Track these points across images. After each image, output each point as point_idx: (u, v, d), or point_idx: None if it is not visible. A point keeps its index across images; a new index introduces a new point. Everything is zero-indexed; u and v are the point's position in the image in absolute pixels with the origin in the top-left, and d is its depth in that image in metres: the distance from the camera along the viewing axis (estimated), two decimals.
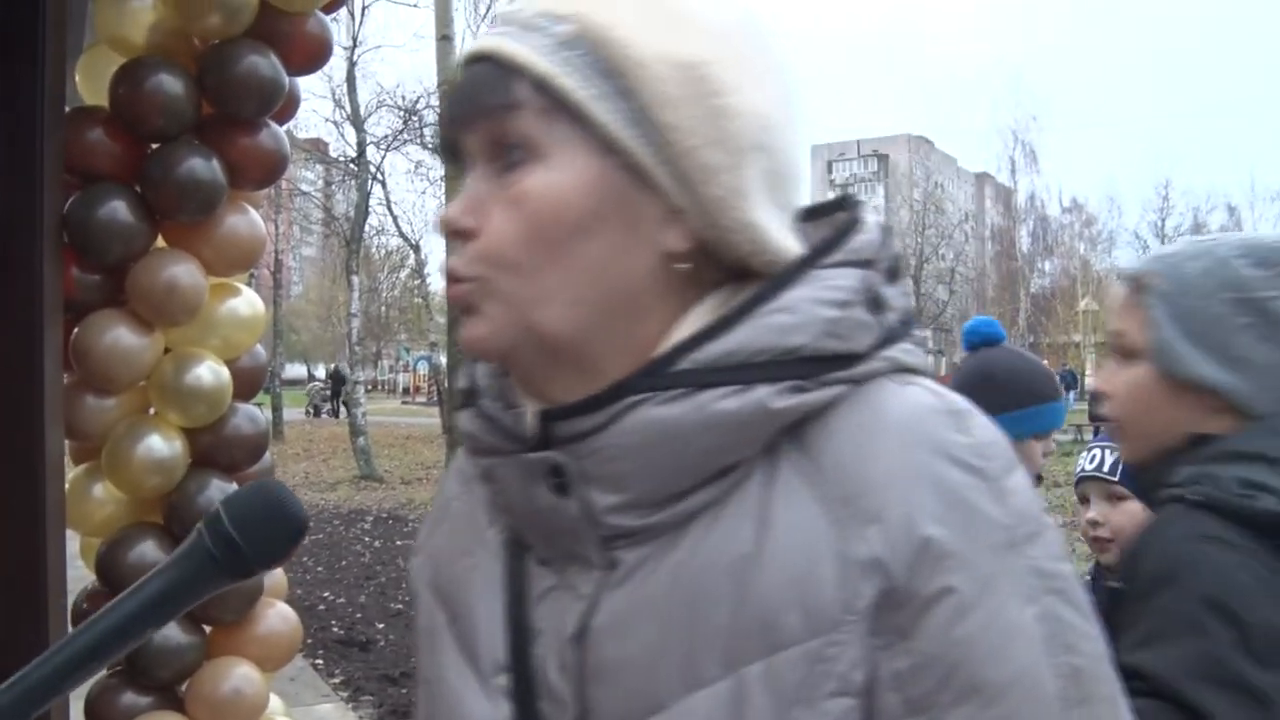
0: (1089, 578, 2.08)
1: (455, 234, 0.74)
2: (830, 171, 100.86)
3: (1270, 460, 1.22)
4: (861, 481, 0.68)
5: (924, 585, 0.66)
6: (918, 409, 0.71)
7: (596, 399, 0.71)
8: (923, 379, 0.75)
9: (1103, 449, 2.04)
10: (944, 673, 0.65)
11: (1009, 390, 2.35)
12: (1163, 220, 68.83)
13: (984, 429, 0.71)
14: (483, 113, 0.73)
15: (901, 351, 0.74)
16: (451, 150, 0.77)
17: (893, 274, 0.76)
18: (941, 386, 0.74)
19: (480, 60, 0.73)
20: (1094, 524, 2.01)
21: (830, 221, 0.79)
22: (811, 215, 0.82)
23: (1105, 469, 2.00)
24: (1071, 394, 29.38)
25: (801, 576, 0.67)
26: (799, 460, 0.71)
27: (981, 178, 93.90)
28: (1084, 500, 2.06)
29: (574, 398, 0.73)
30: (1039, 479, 2.47)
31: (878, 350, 0.73)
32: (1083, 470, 2.05)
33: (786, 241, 0.74)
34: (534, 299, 0.72)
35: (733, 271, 0.75)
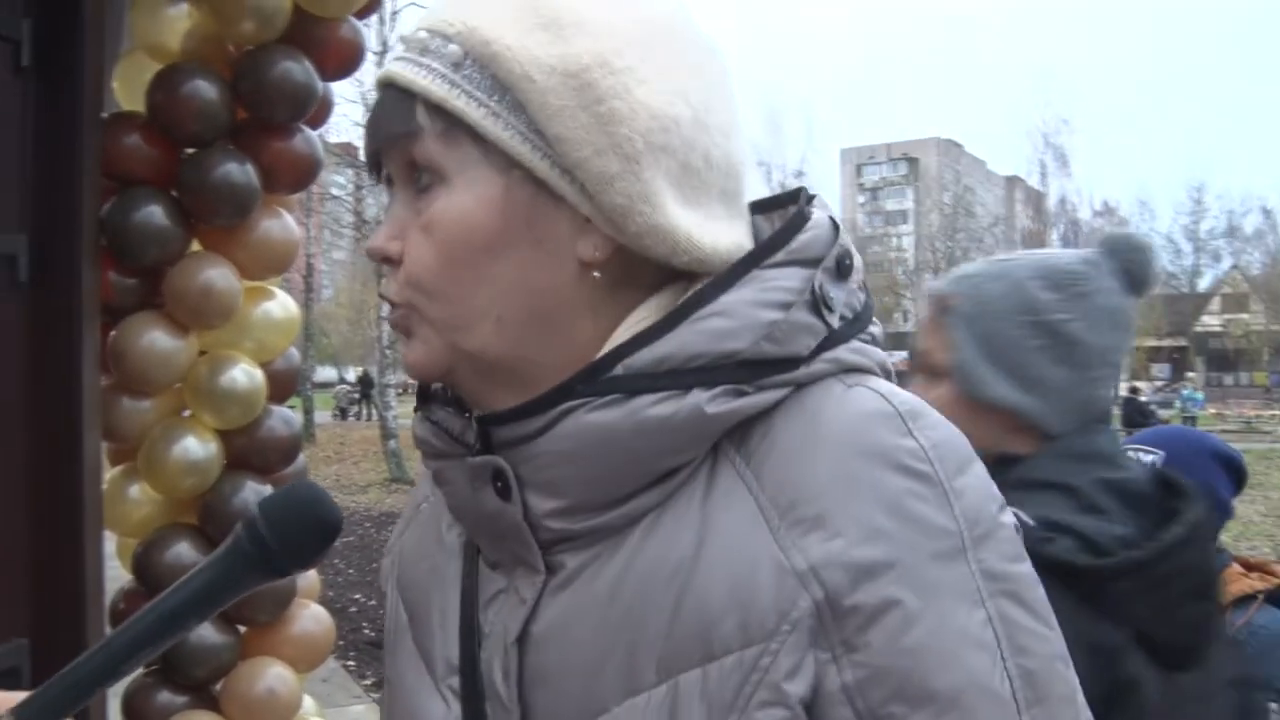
0: None
1: (383, 260, 0.74)
2: (859, 175, 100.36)
3: (1064, 489, 1.24)
4: (800, 490, 0.67)
5: (866, 597, 0.64)
6: (860, 413, 0.69)
7: (534, 404, 0.70)
8: (872, 379, 0.72)
9: (1136, 452, 2.02)
10: (895, 684, 0.64)
11: None
12: (1196, 223, 68.56)
13: (932, 430, 0.69)
14: (390, 140, 0.73)
15: (849, 351, 0.72)
16: (381, 176, 0.77)
17: (841, 271, 0.73)
18: (892, 386, 0.72)
19: (385, 87, 0.73)
20: None
21: (785, 215, 0.77)
22: (769, 206, 0.80)
23: None
24: None
25: (739, 584, 0.66)
26: (741, 465, 0.70)
27: (1012, 181, 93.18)
28: None
29: (512, 403, 0.72)
30: None
31: (822, 352, 0.71)
32: None
33: (714, 239, 0.73)
34: (460, 324, 0.72)
35: (678, 271, 0.73)
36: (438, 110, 0.70)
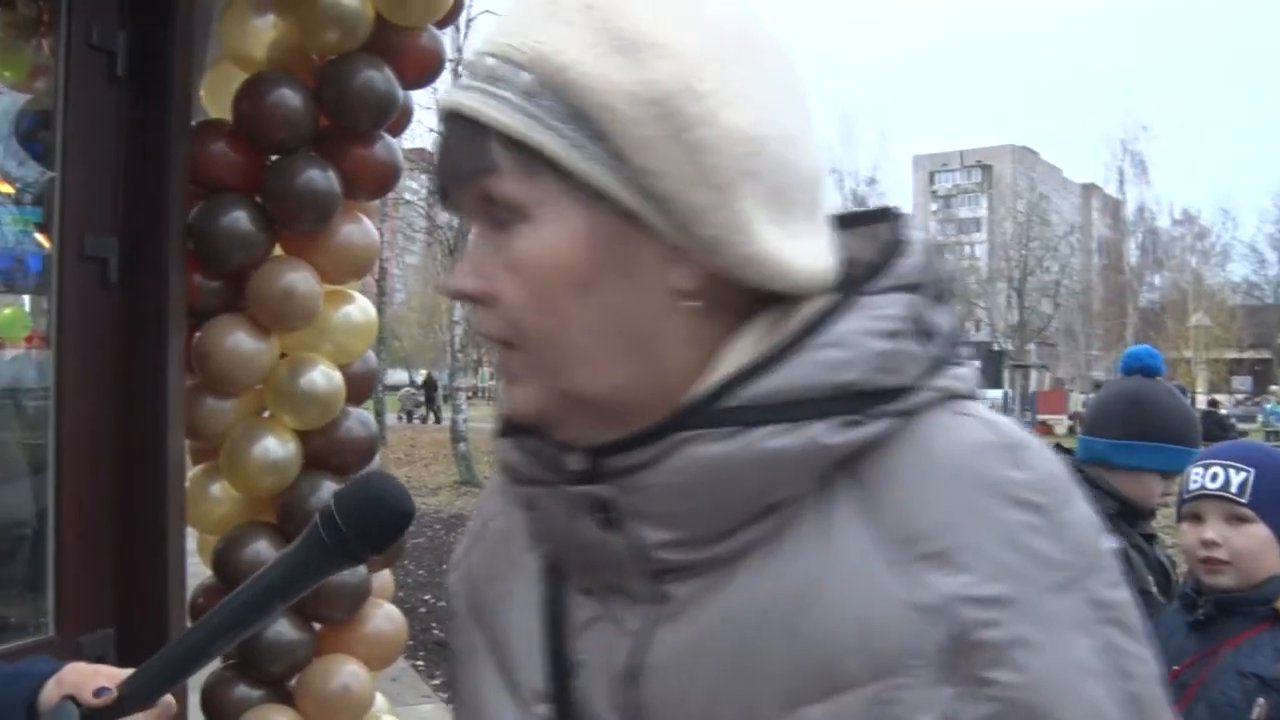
0: (1182, 593, 2.05)
1: (468, 300, 0.72)
2: (932, 183, 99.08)
3: None
4: (921, 525, 0.66)
5: (995, 633, 0.65)
6: (973, 446, 0.69)
7: (646, 434, 0.69)
8: (975, 406, 0.72)
9: (1224, 467, 1.97)
10: (1024, 717, 0.65)
11: (1152, 421, 2.37)
12: None
13: (1040, 461, 0.69)
14: (463, 176, 0.70)
15: (951, 379, 0.71)
16: (453, 205, 0.74)
17: (940, 297, 0.72)
18: (995, 414, 0.72)
19: (453, 118, 0.69)
20: (1209, 544, 1.94)
21: (872, 234, 0.76)
22: (854, 222, 0.78)
23: (1233, 489, 1.94)
24: None
25: (861, 620, 0.66)
26: (856, 498, 0.69)
27: (1088, 189, 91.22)
28: (1194, 518, 1.99)
29: (610, 436, 0.70)
30: (1152, 513, 2.46)
31: (926, 379, 0.70)
32: (1201, 488, 1.98)
33: (804, 260, 0.70)
34: (561, 367, 0.70)
35: (769, 292, 0.71)
36: (515, 144, 0.67)
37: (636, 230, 0.68)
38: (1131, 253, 63.28)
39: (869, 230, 0.77)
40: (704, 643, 0.69)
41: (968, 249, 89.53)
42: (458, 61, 19.12)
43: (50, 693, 1.10)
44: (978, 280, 75.80)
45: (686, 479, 0.67)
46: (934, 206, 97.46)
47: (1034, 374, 37.85)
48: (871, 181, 62.98)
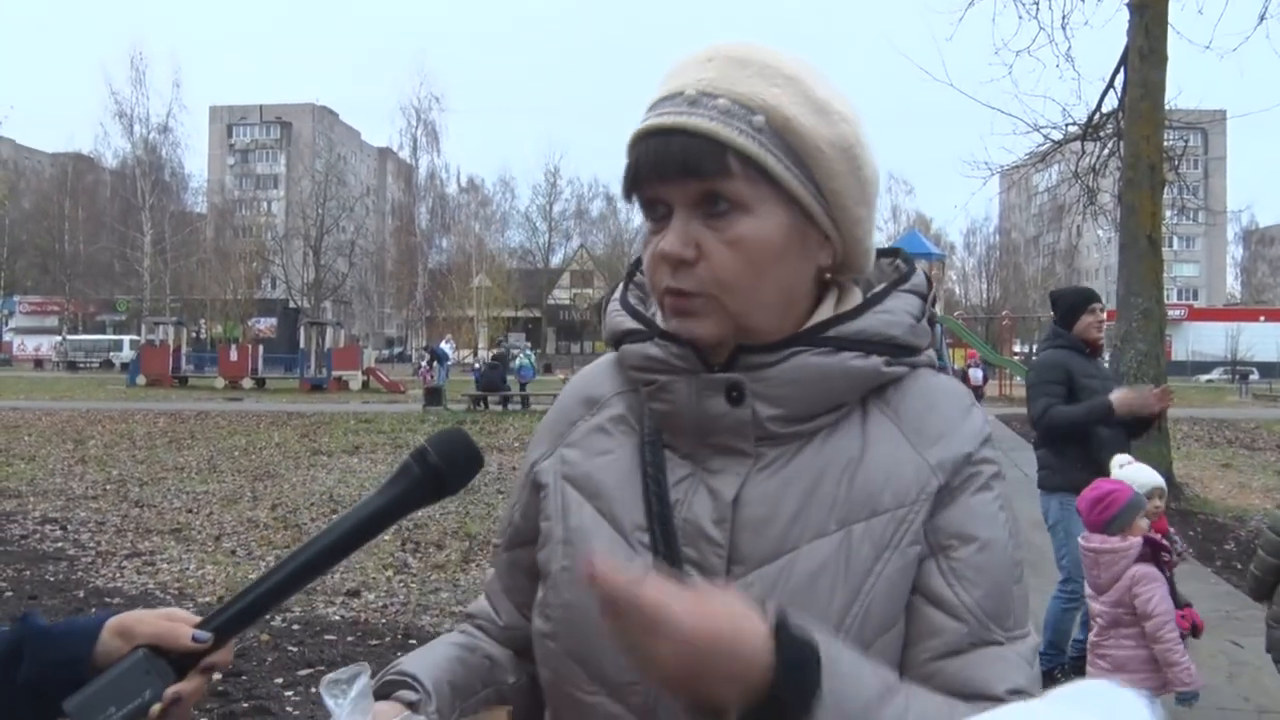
0: None
1: (678, 263, 1.10)
2: (230, 136, 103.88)
3: None
4: (928, 422, 1.17)
5: (960, 480, 1.15)
6: (949, 386, 1.22)
7: (773, 345, 1.14)
8: (941, 372, 1.27)
9: None
10: (956, 530, 1.14)
11: None
12: (550, 204, 79.67)
13: (978, 409, 1.22)
14: (698, 174, 1.09)
15: (931, 355, 1.22)
16: (652, 192, 1.11)
17: (932, 304, 1.23)
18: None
19: (686, 134, 1.08)
20: None
21: (890, 256, 1.29)
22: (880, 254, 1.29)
23: None
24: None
25: (891, 472, 1.14)
26: (884, 408, 1.18)
27: (384, 153, 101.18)
28: None
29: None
30: None
31: (924, 350, 1.21)
32: None
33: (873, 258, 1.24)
34: (745, 309, 1.12)
35: (837, 279, 1.22)
36: (748, 160, 1.08)
37: (810, 226, 1.14)
38: (422, 216, 72.82)
39: (890, 256, 1.29)
40: (784, 485, 1.14)
41: (265, 205, 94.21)
42: None
43: (110, 645, 1.09)
44: (275, 237, 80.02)
45: (795, 376, 1.13)
46: (231, 160, 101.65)
47: (330, 331, 41.55)
48: (165, 129, 65.32)
